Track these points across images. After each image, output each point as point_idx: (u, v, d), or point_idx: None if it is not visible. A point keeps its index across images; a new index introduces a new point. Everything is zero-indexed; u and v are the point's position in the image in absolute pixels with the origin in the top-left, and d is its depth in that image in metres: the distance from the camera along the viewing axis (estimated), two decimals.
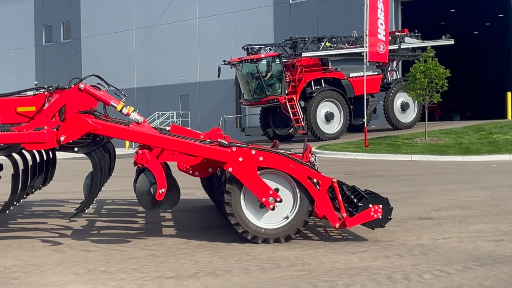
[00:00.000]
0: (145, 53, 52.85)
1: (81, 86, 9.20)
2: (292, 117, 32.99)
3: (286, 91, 33.24)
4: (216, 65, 33.98)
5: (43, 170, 10.96)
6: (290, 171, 8.68)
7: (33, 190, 10.90)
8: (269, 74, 33.23)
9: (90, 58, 55.87)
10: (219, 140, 8.96)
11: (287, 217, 8.81)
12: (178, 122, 46.10)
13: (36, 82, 11.02)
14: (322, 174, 8.88)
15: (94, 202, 9.49)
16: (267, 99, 33.44)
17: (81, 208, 9.18)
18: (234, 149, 8.66)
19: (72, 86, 9.29)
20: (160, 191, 8.54)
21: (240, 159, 8.60)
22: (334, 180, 8.79)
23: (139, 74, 53.12)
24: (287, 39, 34.52)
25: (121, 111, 9.12)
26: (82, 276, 7.25)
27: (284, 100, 32.97)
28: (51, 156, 11.32)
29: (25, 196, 10.30)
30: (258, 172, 8.66)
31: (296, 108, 33.00)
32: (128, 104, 9.39)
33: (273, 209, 8.71)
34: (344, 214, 8.79)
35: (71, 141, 8.77)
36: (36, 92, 9.50)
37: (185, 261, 7.88)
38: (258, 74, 33.24)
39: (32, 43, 61.19)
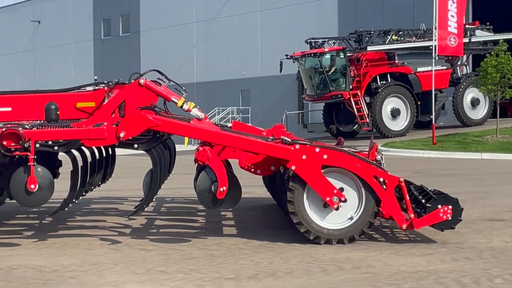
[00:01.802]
0: (205, 47, 53.08)
1: (142, 81, 9.31)
2: (356, 113, 32.84)
3: (351, 86, 33.09)
4: (278, 60, 33.98)
5: (102, 167, 11.09)
6: (356, 170, 8.66)
7: (92, 187, 11.04)
8: (333, 69, 33.11)
9: (149, 52, 56.33)
10: (282, 137, 8.98)
11: (351, 218, 8.79)
12: (239, 118, 46.25)
13: (95, 77, 11.16)
14: (389, 173, 8.84)
15: (154, 200, 9.59)
16: (330, 95, 33.34)
17: (140, 206, 9.29)
18: (297, 146, 8.67)
19: (132, 81, 9.40)
20: (221, 189, 8.57)
21: (304, 157, 8.61)
22: (402, 179, 8.74)
23: (199, 68, 53.39)
24: (352, 32, 34.33)
25: (181, 107, 9.20)
26: (140, 276, 7.34)
27: (348, 96, 32.83)
28: (110, 152, 11.45)
29: (84, 194, 10.45)
30: (322, 171, 8.65)
31: (361, 104, 32.85)
32: (188, 99, 9.46)
33: (337, 209, 8.70)
34: (412, 215, 8.74)
35: (130, 138, 8.88)
36: (96, 88, 9.63)
37: (245, 262, 7.92)
38: (321, 69, 33.14)
39: (91, 37, 61.96)
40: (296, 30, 45.42)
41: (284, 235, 9.45)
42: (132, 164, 21.85)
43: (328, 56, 33.09)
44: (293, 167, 8.64)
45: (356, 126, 34.37)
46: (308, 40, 34.41)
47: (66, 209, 9.41)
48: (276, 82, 46.29)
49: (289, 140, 8.83)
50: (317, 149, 8.65)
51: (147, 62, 53.44)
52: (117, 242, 9.23)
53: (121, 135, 8.72)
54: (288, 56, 34.00)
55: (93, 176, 10.45)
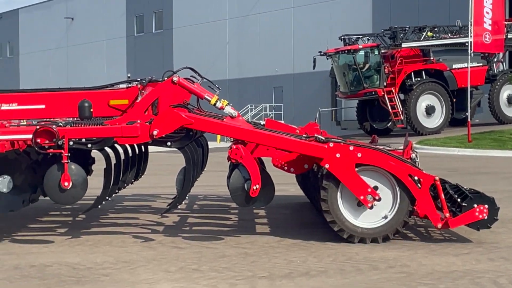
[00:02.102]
0: (238, 44, 53.15)
1: (175, 79, 9.34)
2: (390, 110, 32.72)
3: (385, 83, 32.94)
4: (311, 56, 33.92)
5: (135, 164, 11.16)
6: (390, 168, 8.63)
7: (125, 185, 11.10)
8: (366, 66, 33.02)
9: (182, 49, 56.50)
10: (315, 135, 8.96)
11: (385, 217, 8.77)
12: (271, 115, 46.24)
13: (129, 75, 11.23)
14: (424, 171, 8.80)
15: (186, 197, 9.63)
16: (364, 92, 33.22)
17: (173, 204, 9.34)
18: (331, 145, 8.66)
19: (166, 79, 9.43)
20: (254, 188, 8.59)
21: (338, 155, 8.60)
22: (437, 178, 8.70)
23: (231, 65, 53.47)
24: (386, 28, 34.11)
25: (215, 104, 9.22)
26: (173, 274, 7.37)
27: (382, 93, 32.70)
28: (143, 150, 11.50)
29: (117, 191, 10.52)
30: (356, 169, 8.64)
31: (395, 101, 32.72)
32: (221, 96, 9.49)
33: (371, 207, 8.69)
34: (447, 214, 8.69)
35: (164, 135, 8.93)
36: (129, 85, 9.67)
37: (278, 261, 7.92)
38: (355, 66, 33.06)
39: (124, 34, 62.28)
40: (330, 27, 45.29)
41: (318, 233, 9.44)
42: (165, 161, 21.93)
43: (362, 52, 33.01)
44: (326, 166, 8.63)
45: (390, 123, 34.25)
46: (342, 37, 34.31)
47: (99, 206, 9.48)
48: (309, 79, 46.22)
49: (323, 138, 8.82)
50: (351, 147, 8.64)
51: (180, 59, 53.62)
52: (150, 240, 9.28)
53: (154, 133, 8.77)
54: (322, 53, 33.93)
55: (126, 173, 10.52)
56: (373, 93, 32.94)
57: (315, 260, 7.94)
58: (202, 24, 55.06)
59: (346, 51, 33.38)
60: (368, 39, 34.35)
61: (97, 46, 64.08)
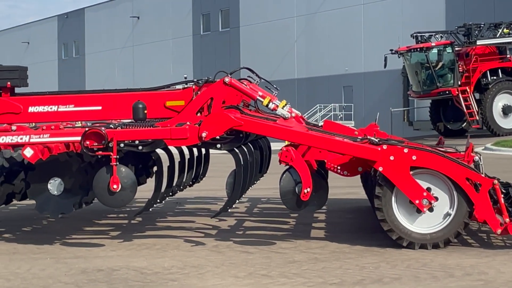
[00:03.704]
0: (306, 42, 53.06)
1: (226, 79, 9.39)
2: (465, 110, 32.45)
3: (459, 82, 32.69)
4: (382, 55, 33.81)
5: (193, 167, 11.22)
6: (446, 171, 8.60)
7: (181, 188, 11.09)
8: (440, 64, 32.82)
9: (248, 48, 56.61)
10: (368, 137, 8.97)
11: (445, 218, 8.72)
12: (341, 115, 46.15)
13: (185, 75, 11.33)
14: (483, 175, 8.75)
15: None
16: (437, 91, 33.02)
17: (223, 207, 9.39)
18: (384, 147, 8.66)
19: (218, 80, 9.53)
20: (305, 191, 8.61)
21: (392, 158, 8.60)
22: (496, 182, 8.62)
23: (299, 64, 53.41)
24: (460, 25, 33.90)
25: (267, 105, 9.28)
26: (242, 280, 7.42)
27: (457, 92, 32.45)
28: (203, 152, 11.47)
29: (171, 194, 10.62)
30: (411, 172, 8.63)
31: (470, 101, 32.45)
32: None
33: (431, 210, 8.66)
34: (507, 220, 8.59)
35: (217, 137, 8.99)
36: (185, 86, 9.77)
37: (350, 267, 7.92)
38: (428, 64, 32.89)
39: (190, 33, 62.69)
40: (401, 24, 44.98)
41: (390, 238, 9.30)
42: (229, 163, 22.04)
43: (435, 50, 32.80)
44: (380, 168, 8.65)
45: (465, 124, 33.91)
46: (414, 34, 34.15)
47: (150, 209, 9.59)
48: (380, 78, 45.97)
49: (376, 140, 8.83)
50: (406, 150, 8.63)
51: (247, 58, 53.78)
52: (217, 244, 9.31)
53: (203, 135, 8.84)
54: (393, 51, 33.82)
55: (181, 176, 10.61)
56: (447, 92, 32.74)
57: (388, 266, 7.91)
58: (269, 22, 55.10)
59: (418, 49, 33.21)
60: (442, 37, 34.08)
61: (163, 45, 64.65)
